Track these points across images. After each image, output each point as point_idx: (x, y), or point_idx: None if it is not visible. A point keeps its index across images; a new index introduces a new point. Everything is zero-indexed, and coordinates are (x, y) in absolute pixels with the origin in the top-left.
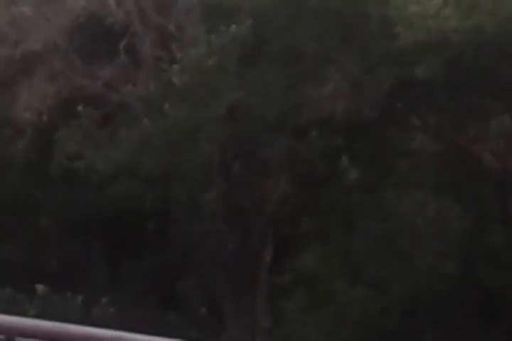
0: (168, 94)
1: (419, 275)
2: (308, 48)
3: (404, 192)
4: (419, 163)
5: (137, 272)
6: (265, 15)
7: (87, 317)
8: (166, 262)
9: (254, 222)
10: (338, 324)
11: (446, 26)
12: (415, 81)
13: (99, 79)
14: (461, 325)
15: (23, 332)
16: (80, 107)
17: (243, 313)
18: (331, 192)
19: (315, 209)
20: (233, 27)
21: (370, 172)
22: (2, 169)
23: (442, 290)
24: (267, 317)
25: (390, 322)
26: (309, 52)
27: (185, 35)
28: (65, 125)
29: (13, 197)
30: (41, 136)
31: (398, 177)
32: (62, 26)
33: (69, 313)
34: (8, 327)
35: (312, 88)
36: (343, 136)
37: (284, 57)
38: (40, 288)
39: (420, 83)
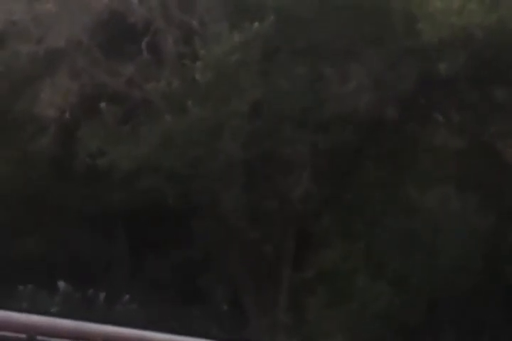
0: (191, 91)
1: (441, 271)
2: (331, 44)
3: (427, 187)
4: (442, 158)
5: (159, 268)
6: (288, 11)
7: (109, 314)
8: (188, 258)
9: (276, 218)
10: (360, 319)
11: (469, 22)
12: (438, 77)
13: (122, 76)
14: (484, 320)
15: (45, 331)
16: (102, 104)
17: (265, 309)
18: (354, 189)
19: (337, 205)
20: (256, 23)
21: (392, 168)
22: (26, 165)
23: (465, 285)
24: (289, 314)
25: (413, 317)
26: (332, 48)
27: (208, 31)
28: (87, 122)
29: (37, 193)
30: (64, 133)
31: (421, 173)
32: (86, 23)
33: (91, 311)
34: (29, 325)
35: (335, 84)
36: (365, 132)
37: (307, 53)
38: (61, 285)
39: (443, 79)
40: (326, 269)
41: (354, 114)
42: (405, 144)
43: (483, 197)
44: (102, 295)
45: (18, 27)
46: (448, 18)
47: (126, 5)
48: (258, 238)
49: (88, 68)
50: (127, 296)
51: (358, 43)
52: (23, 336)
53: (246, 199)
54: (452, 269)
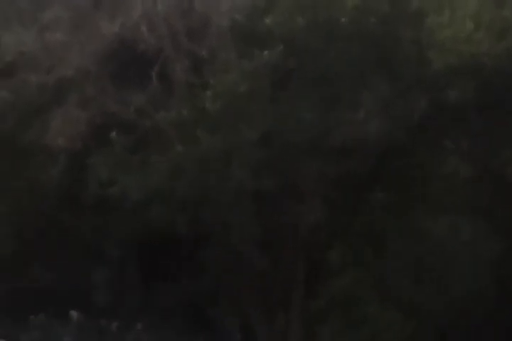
0: (201, 120)
1: (453, 298)
2: (341, 72)
3: (437, 215)
4: (452, 186)
5: (170, 298)
6: (297, 40)
7: None
8: (198, 287)
9: (287, 246)
10: None
11: (478, 50)
12: (448, 104)
13: (132, 105)
14: None
15: None
16: (112, 133)
17: (277, 338)
18: (364, 216)
19: (348, 233)
20: (266, 52)
21: (402, 195)
22: (35, 195)
23: (477, 313)
24: None
25: None
26: (342, 76)
27: (217, 60)
28: (97, 151)
29: (47, 224)
30: (74, 162)
31: (431, 201)
32: (95, 52)
33: (104, 340)
34: None
35: (345, 112)
36: (375, 160)
37: (316, 82)
38: (74, 314)
39: (452, 107)
40: (338, 297)
41: (364, 141)
42: (415, 171)
43: (494, 225)
44: (115, 325)
45: (27, 56)
46: (457, 46)
47: (136, 34)
48: (269, 266)
49: (98, 97)
50: (139, 325)
51: (368, 71)
52: None
53: (256, 227)
54: (464, 297)
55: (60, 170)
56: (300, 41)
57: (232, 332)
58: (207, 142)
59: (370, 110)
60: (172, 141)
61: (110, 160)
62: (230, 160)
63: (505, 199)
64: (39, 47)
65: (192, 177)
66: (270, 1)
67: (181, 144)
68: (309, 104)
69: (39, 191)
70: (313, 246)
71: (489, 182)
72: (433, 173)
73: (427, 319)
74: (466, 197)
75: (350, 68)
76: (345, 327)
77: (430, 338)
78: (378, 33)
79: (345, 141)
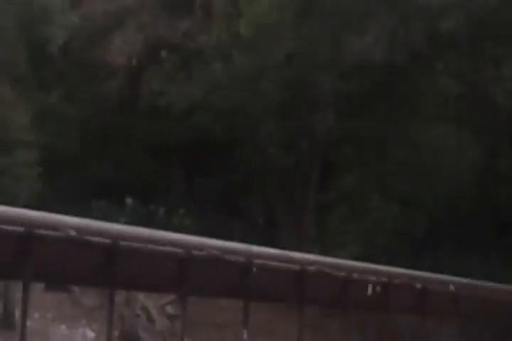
0: (236, 43)
1: (441, 195)
2: (352, 4)
3: (429, 126)
4: (442, 101)
5: (208, 189)
6: None
7: (167, 226)
8: (232, 181)
9: (304, 149)
10: (372, 233)
11: None
12: (441, 32)
13: (179, 29)
14: (476, 234)
15: (127, 238)
16: (163, 53)
17: (294, 224)
18: (369, 125)
19: (355, 139)
20: None
21: (401, 109)
22: (98, 104)
23: (461, 207)
24: (314, 228)
25: (417, 232)
26: (353, 8)
27: None
28: (150, 68)
29: (108, 127)
30: (131, 77)
31: (424, 114)
32: None
33: (153, 222)
34: (113, 234)
35: (355, 38)
36: (379, 78)
37: (332, 12)
38: (129, 201)
39: (445, 34)
40: (345, 191)
41: (370, 63)
42: (411, 89)
43: (477, 135)
44: (162, 210)
45: None
46: None
47: None
48: (289, 165)
49: (151, 23)
50: (182, 211)
51: (375, 5)
52: (107, 241)
53: (280, 133)
54: (450, 194)
55: (119, 83)
56: None
57: (257, 217)
58: (240, 62)
59: (376, 36)
60: (211, 60)
61: (160, 76)
62: (259, 77)
63: (487, 114)
64: None
65: (227, 91)
66: None
67: (219, 63)
68: (326, 31)
69: (102, 100)
70: (326, 149)
71: (474, 99)
72: (427, 90)
73: (419, 211)
74: (454, 111)
75: (360, 2)
76: (350, 216)
77: (422, 226)
78: None
79: (355, 62)
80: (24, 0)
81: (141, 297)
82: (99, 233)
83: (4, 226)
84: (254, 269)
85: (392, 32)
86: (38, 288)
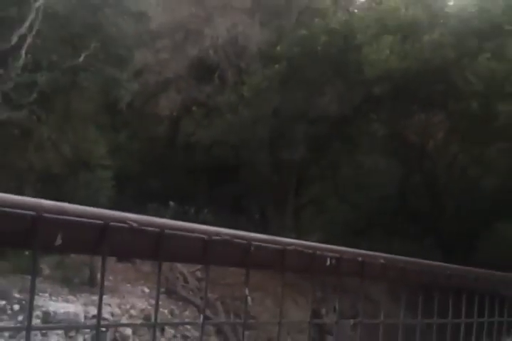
0: (241, 102)
1: (376, 199)
2: (317, 77)
3: (367, 154)
4: (375, 140)
5: (223, 195)
6: (293, 58)
7: (196, 220)
8: (238, 191)
9: (285, 169)
10: (331, 225)
11: (391, 66)
12: (374, 94)
13: (204, 92)
14: (397, 225)
15: (169, 227)
16: (193, 108)
17: (279, 219)
18: (329, 155)
19: (319, 162)
20: (276, 66)
21: (348, 144)
22: (151, 141)
23: (387, 207)
24: (292, 221)
25: (359, 224)
26: (317, 79)
27: (250, 69)
28: (186, 117)
29: (157, 159)
30: (172, 124)
31: (363, 147)
32: (185, 64)
33: (186, 218)
34: (161, 224)
35: (318, 98)
36: (334, 125)
37: (303, 81)
38: (171, 203)
39: (376, 96)
40: (312, 197)
41: (328, 114)
42: (355, 131)
43: (399, 160)
44: (192, 209)
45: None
46: (379, 64)
47: (207, 54)
48: (276, 180)
49: (185, 88)
50: (206, 210)
51: (332, 77)
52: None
53: (269, 160)
54: (381, 199)
55: (165, 128)
56: (295, 60)
57: (255, 214)
58: (244, 114)
59: (332, 97)
60: (224, 112)
61: (192, 123)
62: (256, 124)
63: (403, 146)
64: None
65: (235, 133)
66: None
67: (230, 114)
68: (300, 93)
69: (154, 139)
70: (299, 170)
71: (396, 138)
72: (364, 132)
73: (360, 211)
74: (382, 146)
75: (322, 75)
76: (316, 213)
77: (362, 221)
78: (339, 56)
79: (318, 114)
80: (102, 72)
81: (179, 266)
82: (151, 224)
83: (91, 220)
84: (252, 248)
85: (342, 94)
86: (111, 260)
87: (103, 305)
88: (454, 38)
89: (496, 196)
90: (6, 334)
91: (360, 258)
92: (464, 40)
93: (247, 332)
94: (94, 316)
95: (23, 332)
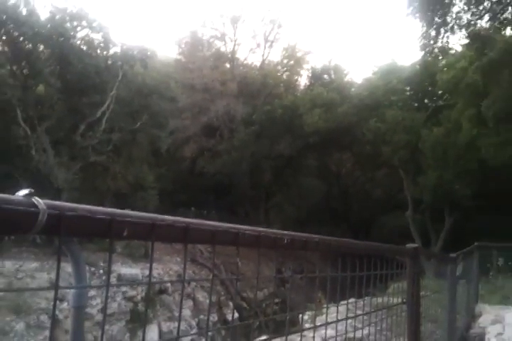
0: (231, 149)
1: (311, 203)
2: (276, 134)
3: (305, 178)
4: (310, 169)
5: (222, 203)
6: (262, 123)
7: (207, 219)
8: (230, 201)
9: (259, 187)
10: (286, 220)
11: (320, 126)
12: (310, 143)
13: (211, 144)
14: (325, 219)
15: (192, 224)
16: (205, 153)
17: (256, 216)
18: (282, 178)
19: (276, 185)
20: (252, 127)
21: (294, 172)
22: (177, 172)
23: (319, 209)
24: (263, 218)
25: (302, 219)
26: (276, 135)
27: (237, 129)
28: (199, 157)
29: (178, 185)
30: (192, 161)
31: (304, 173)
32: (199, 127)
33: (201, 218)
34: (186, 222)
35: (277, 146)
36: (284, 160)
37: (268, 136)
38: (192, 208)
39: (311, 144)
40: (275, 203)
41: (282, 154)
42: (298, 164)
43: (324, 182)
44: (204, 212)
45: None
46: (312, 125)
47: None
48: (254, 193)
49: (196, 144)
50: (213, 212)
51: (285, 133)
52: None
53: (250, 180)
54: (314, 205)
55: (187, 164)
56: (264, 124)
57: (241, 214)
58: (233, 156)
59: (285, 145)
60: (222, 155)
61: (203, 160)
62: (241, 161)
63: (327, 172)
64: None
65: (229, 166)
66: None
67: (226, 156)
68: (266, 143)
69: (179, 170)
70: (267, 186)
71: (323, 168)
72: (303, 164)
73: (303, 210)
74: (315, 172)
75: (279, 132)
76: (277, 213)
77: (305, 217)
78: (286, 119)
79: (276, 154)
80: (150, 132)
81: (199, 245)
82: (180, 222)
83: (143, 220)
84: (241, 235)
85: (290, 143)
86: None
87: (153, 269)
88: (355, 110)
89: (382, 200)
90: (93, 291)
91: (304, 239)
92: (361, 110)
93: (238, 283)
94: (147, 275)
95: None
